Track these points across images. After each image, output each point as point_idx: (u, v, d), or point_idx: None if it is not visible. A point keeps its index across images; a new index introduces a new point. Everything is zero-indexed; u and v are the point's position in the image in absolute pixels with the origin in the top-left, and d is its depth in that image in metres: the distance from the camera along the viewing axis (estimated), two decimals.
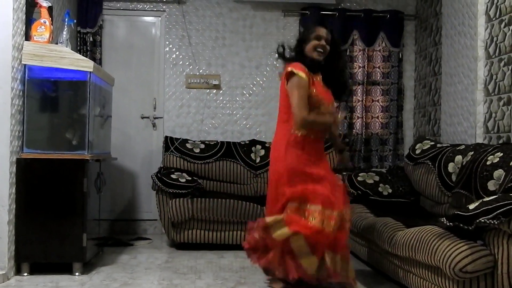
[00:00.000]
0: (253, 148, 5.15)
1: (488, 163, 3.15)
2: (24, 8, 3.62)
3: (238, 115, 5.46)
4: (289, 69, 3.13)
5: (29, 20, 3.69)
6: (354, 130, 5.46)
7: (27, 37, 3.66)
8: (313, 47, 3.18)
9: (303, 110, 3.06)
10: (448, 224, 2.56)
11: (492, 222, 2.30)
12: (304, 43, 3.23)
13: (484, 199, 2.57)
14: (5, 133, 3.41)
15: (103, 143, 4.30)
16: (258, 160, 5.11)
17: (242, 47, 5.47)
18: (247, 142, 5.22)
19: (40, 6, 3.73)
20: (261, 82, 5.49)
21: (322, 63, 3.22)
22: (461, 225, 2.46)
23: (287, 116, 3.18)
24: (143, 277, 3.60)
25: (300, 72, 3.10)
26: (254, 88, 5.49)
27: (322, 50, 3.18)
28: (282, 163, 3.14)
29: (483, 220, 2.33)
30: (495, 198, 2.51)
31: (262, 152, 5.12)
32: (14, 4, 3.45)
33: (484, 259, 2.40)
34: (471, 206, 2.50)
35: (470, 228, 2.40)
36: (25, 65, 3.61)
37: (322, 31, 3.21)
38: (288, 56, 3.30)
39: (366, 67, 5.44)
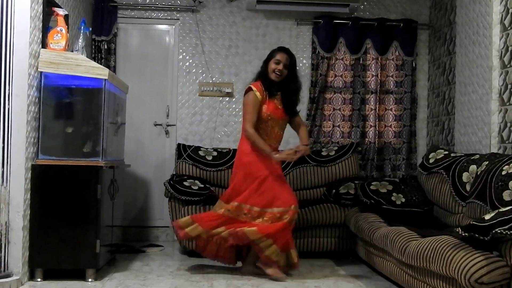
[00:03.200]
0: None
1: (503, 173, 3.12)
2: (41, 16, 3.67)
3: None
4: (249, 85, 3.86)
5: (46, 28, 3.74)
6: (367, 139, 5.44)
7: (44, 45, 3.70)
8: (272, 70, 3.82)
9: (248, 125, 3.79)
10: (463, 234, 2.54)
11: (508, 233, 2.28)
12: (267, 64, 3.86)
13: (500, 210, 2.54)
14: (21, 140, 3.45)
15: (116, 150, 4.33)
16: None
17: (255, 56, 5.49)
18: None
19: (57, 15, 3.78)
20: None
21: (279, 84, 3.85)
22: (477, 235, 2.44)
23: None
24: (156, 284, 3.60)
25: (257, 91, 3.81)
26: None
27: (279, 73, 3.81)
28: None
29: (499, 231, 2.30)
30: (511, 208, 2.49)
31: None
32: (31, 13, 3.50)
33: (500, 270, 2.37)
34: (487, 217, 2.47)
35: (486, 238, 2.38)
36: (41, 72, 3.65)
37: (282, 56, 3.82)
38: (256, 74, 4.00)
39: (379, 76, 5.43)
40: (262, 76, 3.91)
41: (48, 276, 3.60)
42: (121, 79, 4.52)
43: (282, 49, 3.94)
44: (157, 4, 5.40)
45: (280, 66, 3.81)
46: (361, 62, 5.45)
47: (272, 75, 3.84)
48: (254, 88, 3.84)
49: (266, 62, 3.90)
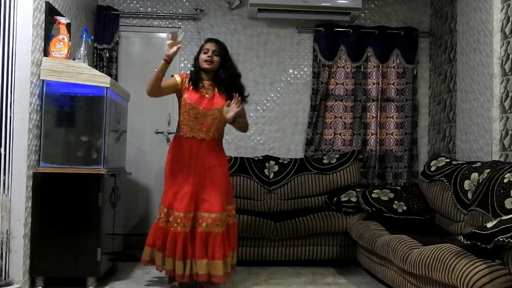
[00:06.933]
0: (266, 164, 5.15)
1: (505, 181, 3.11)
2: (43, 25, 3.69)
3: (251, 131, 5.47)
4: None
5: (48, 36, 3.75)
6: (368, 147, 5.44)
7: (46, 53, 3.71)
8: (203, 60, 3.74)
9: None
10: (465, 242, 2.53)
11: (510, 241, 2.27)
12: (198, 56, 3.80)
13: (502, 218, 2.54)
14: (22, 148, 3.45)
15: (118, 158, 4.33)
16: (271, 176, 5.10)
17: (256, 64, 5.50)
18: (261, 158, 5.22)
19: (59, 23, 3.79)
20: (275, 98, 5.51)
21: (213, 72, 3.76)
22: (479, 243, 2.43)
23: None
24: None
25: (178, 76, 3.80)
26: (268, 104, 5.51)
27: (210, 60, 3.72)
28: None
29: (501, 239, 2.30)
30: None
31: (276, 168, 5.12)
32: (33, 21, 3.51)
33: (503, 278, 2.36)
34: (489, 225, 2.47)
35: (488, 246, 2.37)
36: (43, 80, 3.66)
37: (210, 45, 3.77)
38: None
39: (380, 84, 5.44)
40: (194, 70, 3.84)
41: (49, 284, 3.60)
42: (122, 87, 4.53)
43: (210, 39, 3.88)
44: (159, 13, 5.42)
45: (209, 53, 3.72)
46: (362, 70, 5.46)
47: (204, 64, 3.73)
48: (175, 75, 3.82)
49: (197, 54, 3.83)
